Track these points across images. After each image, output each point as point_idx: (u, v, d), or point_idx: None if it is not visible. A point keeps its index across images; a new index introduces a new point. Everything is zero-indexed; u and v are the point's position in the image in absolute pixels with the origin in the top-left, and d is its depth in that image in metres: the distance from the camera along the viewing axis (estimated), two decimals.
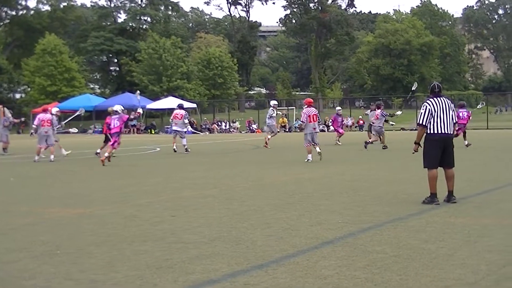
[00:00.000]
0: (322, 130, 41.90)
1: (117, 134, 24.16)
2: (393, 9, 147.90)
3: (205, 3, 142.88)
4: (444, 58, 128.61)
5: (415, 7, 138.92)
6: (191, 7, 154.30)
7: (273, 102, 34.50)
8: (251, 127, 69.21)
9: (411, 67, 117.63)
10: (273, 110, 33.53)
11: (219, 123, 72.23)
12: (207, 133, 29.11)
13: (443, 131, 11.52)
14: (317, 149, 22.85)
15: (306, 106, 23.82)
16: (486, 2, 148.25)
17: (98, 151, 26.42)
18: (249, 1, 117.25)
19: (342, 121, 33.99)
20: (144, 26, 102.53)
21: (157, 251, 8.14)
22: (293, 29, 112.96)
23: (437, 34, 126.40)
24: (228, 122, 72.89)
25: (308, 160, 22.57)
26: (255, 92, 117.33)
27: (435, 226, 9.29)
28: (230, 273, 6.87)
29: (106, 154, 23.32)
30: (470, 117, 30.17)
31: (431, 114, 11.57)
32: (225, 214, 11.05)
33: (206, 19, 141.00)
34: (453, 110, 11.77)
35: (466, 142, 28.93)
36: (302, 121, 23.57)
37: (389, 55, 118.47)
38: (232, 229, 9.51)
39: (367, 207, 11.28)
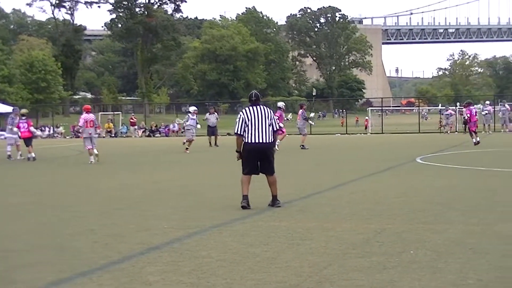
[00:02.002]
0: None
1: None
2: (220, 15, 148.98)
3: (27, 4, 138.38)
4: (269, 65, 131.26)
5: (241, 14, 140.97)
6: (13, 8, 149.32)
7: (192, 108, 33.76)
8: (76, 132, 67.99)
9: (237, 73, 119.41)
10: (193, 115, 32.84)
11: (43, 128, 70.50)
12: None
13: (258, 140, 11.52)
14: (95, 151, 24.92)
15: (84, 112, 25.60)
16: (309, 11, 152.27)
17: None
18: (73, 4, 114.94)
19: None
20: None
21: None
22: (119, 34, 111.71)
23: (262, 41, 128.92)
24: (52, 127, 71.27)
25: (91, 161, 24.73)
26: (80, 96, 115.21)
27: (260, 230, 9.44)
28: (54, 281, 6.72)
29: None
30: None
31: (245, 123, 11.62)
32: (50, 221, 10.83)
33: (29, 21, 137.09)
34: (271, 119, 11.75)
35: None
36: (80, 126, 25.81)
37: (215, 60, 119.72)
38: (57, 237, 9.32)
39: (193, 212, 11.34)
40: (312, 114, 35.95)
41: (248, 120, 11.60)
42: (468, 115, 31.53)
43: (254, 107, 11.77)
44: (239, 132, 11.68)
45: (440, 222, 9.89)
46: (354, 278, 6.60)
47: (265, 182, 11.75)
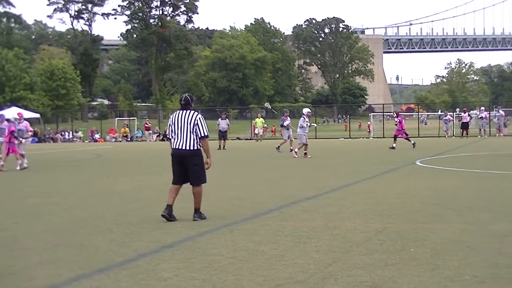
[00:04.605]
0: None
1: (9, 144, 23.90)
2: (229, 26, 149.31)
3: (48, 16, 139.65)
4: (276, 72, 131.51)
5: (249, 25, 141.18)
6: (35, 20, 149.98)
7: (306, 110, 29.28)
8: (94, 137, 68.26)
9: (246, 80, 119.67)
10: (305, 118, 28.67)
11: (63, 133, 70.73)
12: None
13: (177, 146, 10.41)
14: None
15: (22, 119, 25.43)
16: (314, 21, 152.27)
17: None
18: (91, 16, 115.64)
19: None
20: None
21: (0, 258, 7.89)
22: (134, 43, 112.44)
23: (270, 50, 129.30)
24: (71, 132, 71.47)
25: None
26: (97, 103, 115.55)
27: (268, 229, 9.44)
28: (73, 278, 6.73)
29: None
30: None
31: (171, 128, 10.59)
32: (69, 220, 10.84)
33: (49, 32, 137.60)
34: (195, 125, 10.38)
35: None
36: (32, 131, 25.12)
37: (225, 69, 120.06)
38: (75, 235, 9.34)
39: (204, 212, 11.30)
40: (288, 121, 35.15)
41: (173, 124, 10.53)
42: (398, 121, 33.51)
43: (181, 112, 10.56)
44: (169, 137, 10.78)
45: (438, 222, 9.88)
46: (357, 275, 6.60)
47: (274, 185, 11.70)
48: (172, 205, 10.49)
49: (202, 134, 10.42)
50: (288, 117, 34.07)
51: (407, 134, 34.13)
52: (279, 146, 32.84)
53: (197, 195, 10.52)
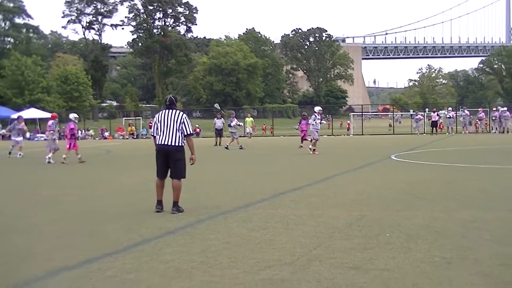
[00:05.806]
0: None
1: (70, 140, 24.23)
2: (224, 35, 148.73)
3: (62, 27, 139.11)
4: (266, 77, 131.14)
5: (242, 34, 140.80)
6: (51, 30, 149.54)
7: (317, 108, 28.30)
8: (103, 134, 68.14)
9: (239, 84, 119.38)
10: (316, 116, 27.27)
11: None
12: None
13: (163, 142, 10.16)
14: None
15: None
16: (300, 31, 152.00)
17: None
18: (101, 26, 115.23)
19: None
20: (8, 46, 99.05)
21: (22, 242, 7.92)
22: (139, 51, 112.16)
23: (260, 57, 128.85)
24: (83, 130, 71.34)
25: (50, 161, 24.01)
26: (107, 104, 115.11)
27: (259, 217, 9.45)
28: (85, 260, 6.75)
29: (64, 156, 23.63)
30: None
31: (157, 125, 10.34)
32: (82, 210, 10.84)
33: (64, 41, 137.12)
34: (181, 123, 10.20)
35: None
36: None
37: (221, 73, 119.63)
38: (87, 223, 9.35)
39: (202, 202, 11.33)
40: (234, 122, 35.09)
41: (159, 122, 10.32)
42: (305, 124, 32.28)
43: (166, 111, 10.37)
44: (153, 134, 10.48)
45: (411, 210, 9.91)
46: (339, 257, 6.63)
47: (264, 178, 11.70)
48: (162, 199, 10.39)
49: (188, 132, 10.30)
50: (235, 118, 34.82)
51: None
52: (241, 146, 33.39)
53: (177, 189, 10.19)
